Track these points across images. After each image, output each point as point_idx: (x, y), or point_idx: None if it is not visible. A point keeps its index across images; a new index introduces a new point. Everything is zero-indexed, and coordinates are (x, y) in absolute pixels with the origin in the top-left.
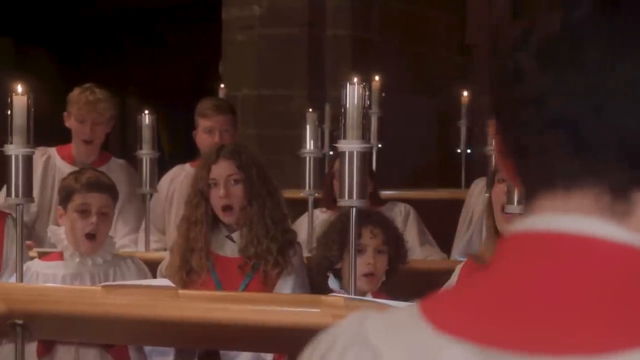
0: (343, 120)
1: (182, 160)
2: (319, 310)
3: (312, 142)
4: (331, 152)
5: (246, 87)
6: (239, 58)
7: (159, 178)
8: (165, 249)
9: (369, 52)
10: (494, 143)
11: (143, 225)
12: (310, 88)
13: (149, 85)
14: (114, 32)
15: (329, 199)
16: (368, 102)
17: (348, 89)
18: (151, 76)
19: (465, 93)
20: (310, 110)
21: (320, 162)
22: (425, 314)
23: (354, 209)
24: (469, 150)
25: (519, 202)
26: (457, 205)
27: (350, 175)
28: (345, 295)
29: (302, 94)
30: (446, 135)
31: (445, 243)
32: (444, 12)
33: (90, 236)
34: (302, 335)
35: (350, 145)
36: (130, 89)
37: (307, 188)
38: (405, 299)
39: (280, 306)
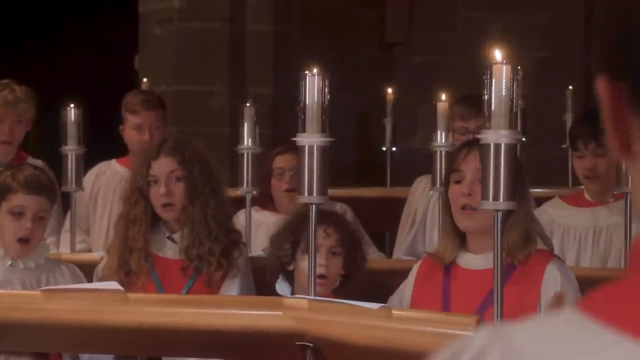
0: (302, 114)
1: (89, 159)
2: (280, 313)
3: (249, 138)
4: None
5: (164, 82)
6: (156, 52)
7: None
8: (89, 250)
9: (291, 48)
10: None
11: (66, 226)
12: (231, 84)
13: (51, 82)
14: (13, 25)
15: (264, 199)
16: (328, 96)
17: (307, 81)
18: (54, 72)
19: (390, 90)
20: (248, 104)
21: (258, 158)
22: (605, 321)
23: (314, 206)
24: (394, 149)
25: (494, 199)
26: (386, 204)
27: (310, 171)
28: (309, 297)
29: (222, 90)
30: (367, 133)
31: (376, 241)
32: (365, 9)
33: (23, 240)
34: (261, 340)
35: (311, 139)
36: (31, 86)
37: (244, 185)
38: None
39: (239, 309)
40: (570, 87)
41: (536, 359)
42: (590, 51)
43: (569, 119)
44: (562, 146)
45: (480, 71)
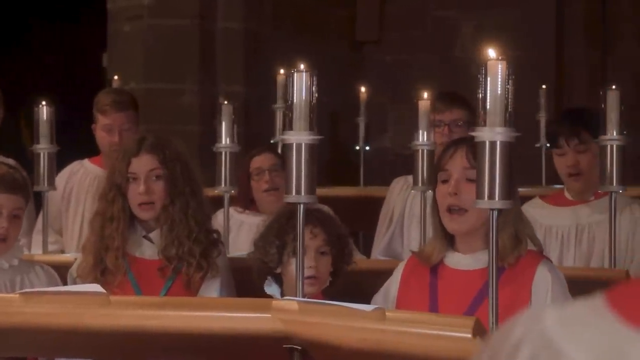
0: (290, 111)
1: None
2: (269, 315)
3: (227, 136)
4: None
5: (134, 80)
6: (126, 50)
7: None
8: (62, 251)
9: (262, 45)
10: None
11: (38, 226)
12: (202, 82)
13: (13, 80)
14: None
15: (245, 201)
16: (316, 93)
17: (295, 78)
18: (16, 70)
19: (363, 89)
20: (226, 102)
21: (235, 157)
22: (614, 308)
23: (302, 206)
24: (367, 148)
25: (489, 197)
26: (360, 203)
27: (298, 169)
28: (299, 299)
29: (193, 88)
30: (337, 132)
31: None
32: (336, 7)
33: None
34: (247, 343)
35: (299, 137)
36: None
37: (222, 185)
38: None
39: (227, 311)
40: (544, 87)
41: (557, 346)
42: (563, 50)
43: (542, 118)
44: (536, 145)
45: (451, 70)
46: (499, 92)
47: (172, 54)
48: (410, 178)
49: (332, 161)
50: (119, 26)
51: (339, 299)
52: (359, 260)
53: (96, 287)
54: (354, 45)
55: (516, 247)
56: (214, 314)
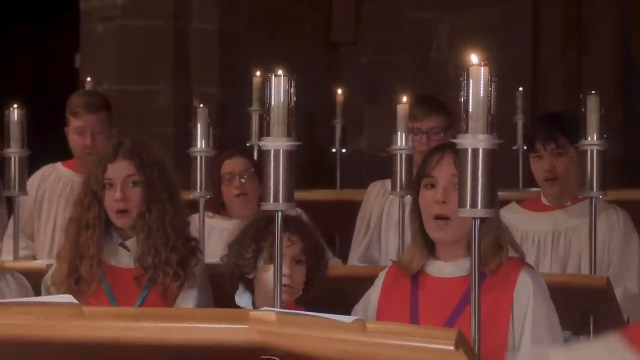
0: (267, 117)
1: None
2: (246, 326)
3: (203, 140)
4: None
5: (107, 82)
6: (99, 51)
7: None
8: (34, 257)
9: (237, 47)
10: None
11: (9, 232)
12: (176, 83)
13: None
14: None
15: (216, 205)
16: (294, 98)
17: (273, 82)
18: None
19: (340, 91)
20: (201, 105)
21: (211, 161)
22: (634, 348)
23: (280, 214)
24: (344, 150)
25: (472, 206)
26: (337, 207)
27: (277, 176)
28: (277, 310)
29: (167, 90)
30: (313, 135)
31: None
32: (312, 9)
33: None
34: (224, 355)
35: (277, 143)
36: None
37: (198, 190)
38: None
39: (203, 323)
40: (521, 89)
41: None
42: (539, 52)
43: (519, 120)
44: (513, 148)
45: (427, 71)
46: (481, 97)
47: (146, 55)
48: (387, 182)
49: (308, 164)
50: (92, 27)
51: (316, 306)
52: (337, 266)
53: (69, 298)
54: (330, 46)
55: (497, 254)
56: (190, 325)
